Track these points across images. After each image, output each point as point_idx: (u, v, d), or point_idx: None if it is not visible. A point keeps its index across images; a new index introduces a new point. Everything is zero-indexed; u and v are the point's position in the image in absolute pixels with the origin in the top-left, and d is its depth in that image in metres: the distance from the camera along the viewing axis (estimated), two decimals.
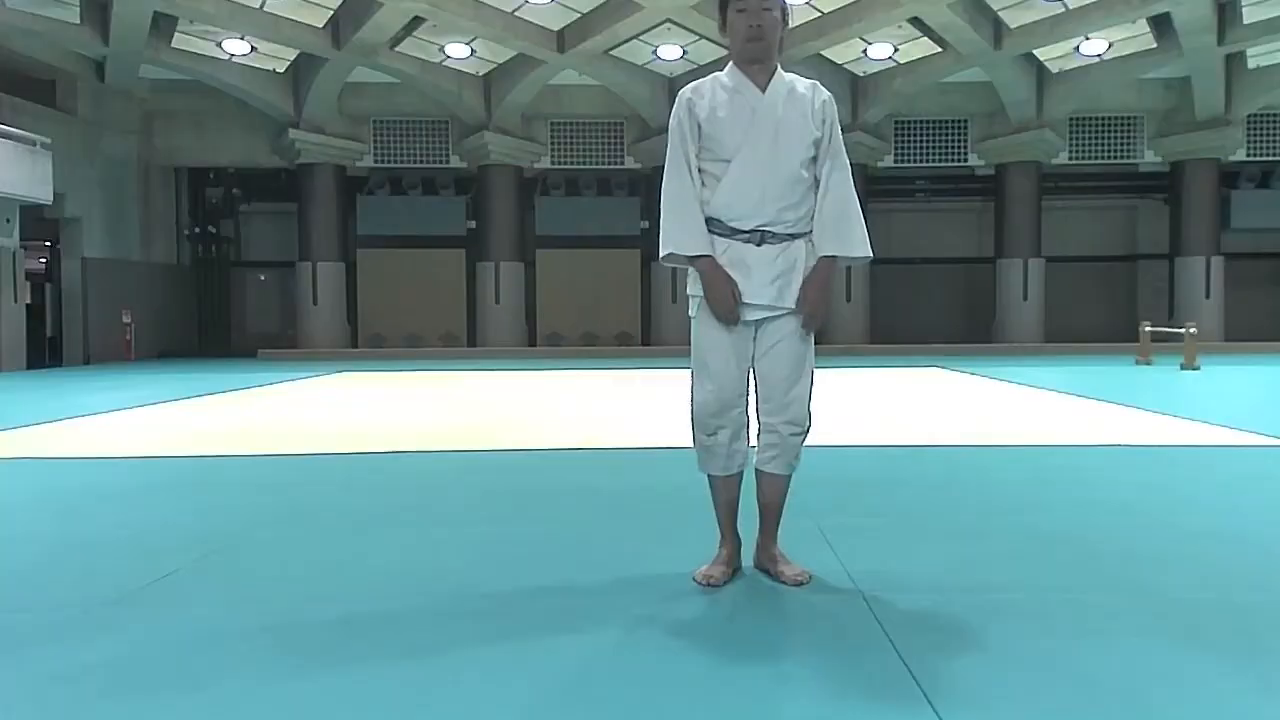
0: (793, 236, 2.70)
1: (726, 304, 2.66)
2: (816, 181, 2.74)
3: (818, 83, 2.78)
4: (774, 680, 2.06)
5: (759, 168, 2.66)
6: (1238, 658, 2.17)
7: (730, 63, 2.78)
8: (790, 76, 2.76)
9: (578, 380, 11.72)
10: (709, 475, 2.84)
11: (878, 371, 13.06)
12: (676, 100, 2.78)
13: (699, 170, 2.73)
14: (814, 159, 2.72)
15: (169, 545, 3.31)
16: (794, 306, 2.70)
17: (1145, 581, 2.79)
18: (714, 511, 2.88)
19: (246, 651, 2.27)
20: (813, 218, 2.73)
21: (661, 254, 2.75)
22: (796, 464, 2.80)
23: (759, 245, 2.68)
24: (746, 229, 2.68)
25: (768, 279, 2.67)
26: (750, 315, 2.70)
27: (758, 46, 2.68)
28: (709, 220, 2.72)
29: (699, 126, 2.71)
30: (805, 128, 2.69)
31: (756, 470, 2.82)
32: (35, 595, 2.78)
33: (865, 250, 2.74)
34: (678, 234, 2.70)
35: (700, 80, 2.79)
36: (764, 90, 2.70)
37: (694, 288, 2.76)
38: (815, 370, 2.79)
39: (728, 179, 2.68)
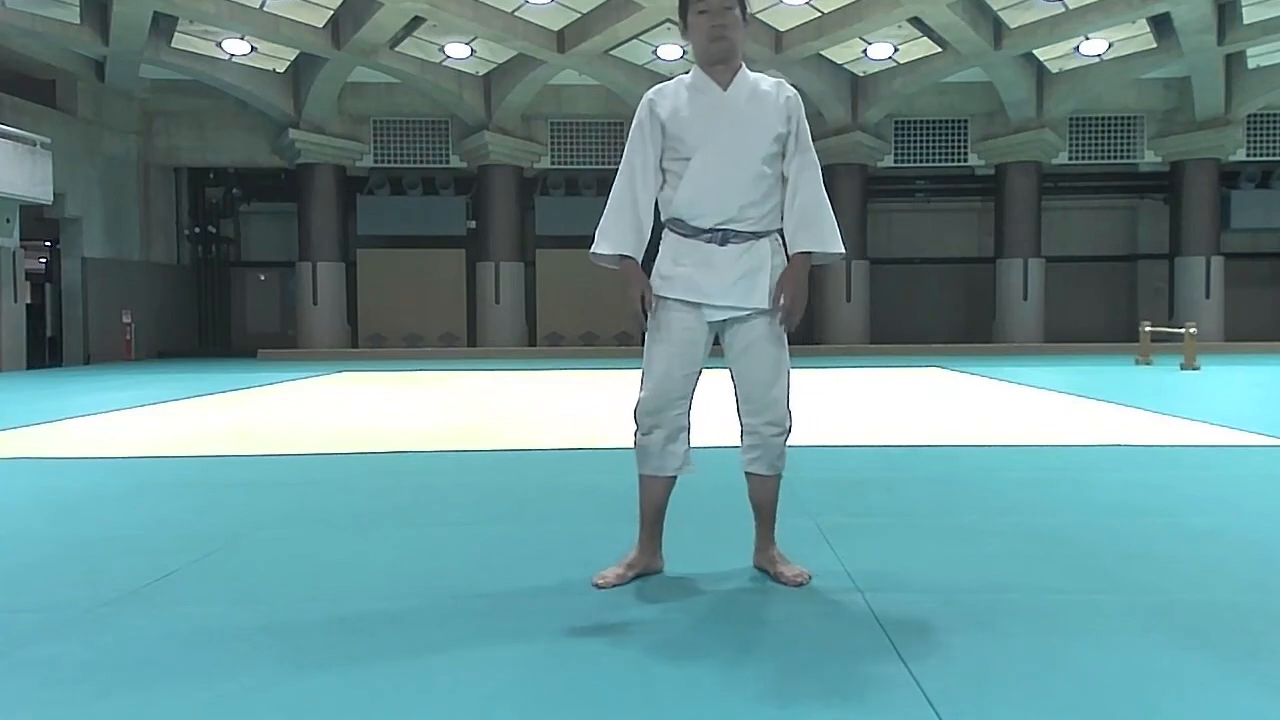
0: (756, 235, 2.70)
1: (634, 307, 2.70)
2: (782, 180, 2.73)
3: (783, 80, 2.78)
4: (774, 680, 2.06)
5: (720, 164, 2.66)
6: (1238, 658, 2.17)
7: (694, 65, 2.78)
8: (755, 75, 2.77)
9: (578, 380, 11.72)
10: (639, 475, 2.83)
11: (877, 371, 13.05)
12: (640, 103, 2.79)
13: (663, 170, 2.74)
14: (778, 155, 2.72)
15: (169, 545, 3.31)
16: (763, 306, 2.69)
17: (1145, 581, 2.79)
18: (638, 512, 2.86)
19: (246, 651, 2.27)
20: (778, 216, 2.73)
21: (591, 250, 2.77)
22: (781, 465, 2.80)
23: (722, 245, 2.67)
24: (708, 227, 2.68)
25: (731, 279, 2.66)
26: (713, 316, 2.70)
27: (721, 46, 2.69)
28: (673, 220, 2.74)
29: (662, 127, 2.71)
30: (768, 124, 2.69)
31: (745, 473, 2.83)
32: (35, 595, 2.78)
33: (838, 246, 2.73)
34: (607, 232, 2.72)
35: (665, 83, 2.81)
36: (726, 89, 2.71)
37: (657, 286, 2.76)
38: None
39: (689, 175, 2.69)
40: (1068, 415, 7.24)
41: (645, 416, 2.73)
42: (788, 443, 2.79)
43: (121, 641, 2.35)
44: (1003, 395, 9.03)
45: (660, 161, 2.75)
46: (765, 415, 2.72)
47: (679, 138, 2.70)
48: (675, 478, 2.81)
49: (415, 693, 2.02)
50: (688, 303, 2.70)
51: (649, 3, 14.76)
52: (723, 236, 2.67)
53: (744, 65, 2.76)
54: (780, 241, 2.76)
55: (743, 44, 2.75)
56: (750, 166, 2.67)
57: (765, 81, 2.76)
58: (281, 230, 20.95)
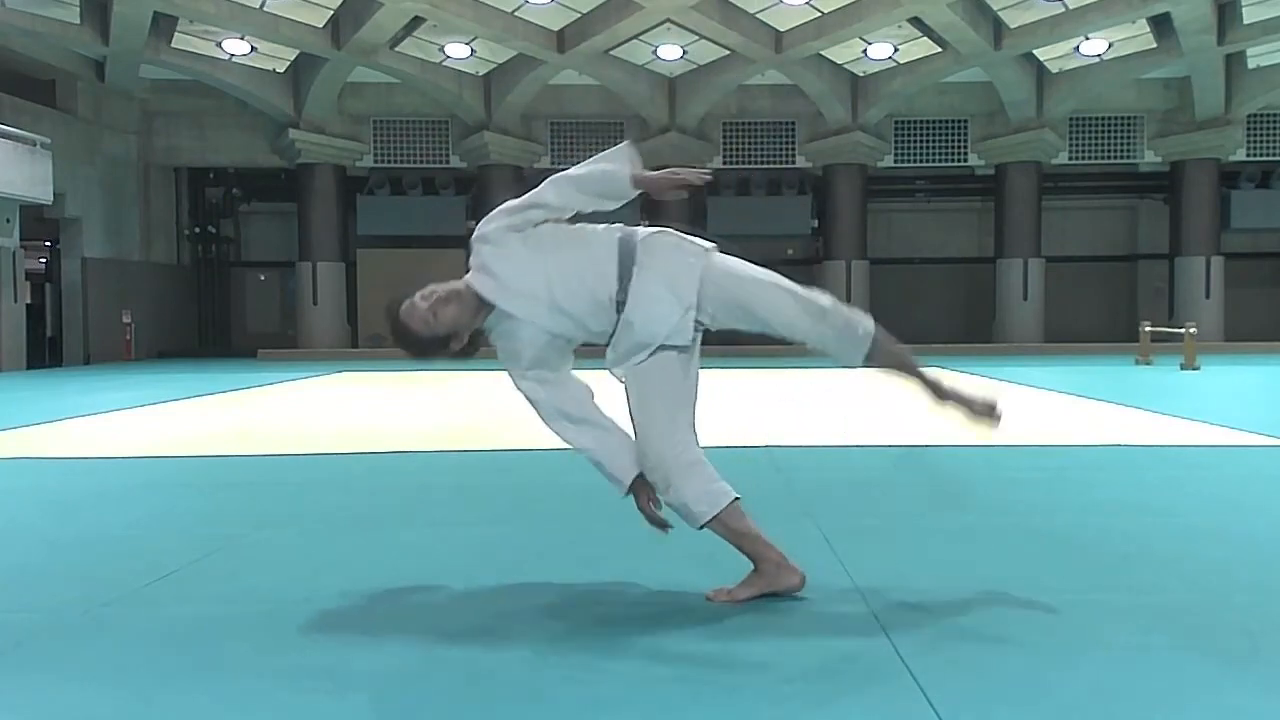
0: (621, 300, 2.66)
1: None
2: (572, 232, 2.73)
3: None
4: (774, 681, 2.06)
5: (558, 308, 2.68)
6: (1238, 658, 2.17)
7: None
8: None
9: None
10: (711, 521, 2.64)
11: (877, 371, 13.02)
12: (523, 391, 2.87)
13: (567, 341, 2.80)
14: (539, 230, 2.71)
15: (169, 545, 3.31)
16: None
17: (1145, 581, 2.79)
18: (741, 551, 2.69)
19: (246, 650, 2.27)
20: (614, 267, 2.66)
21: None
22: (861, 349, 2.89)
23: (620, 311, 2.67)
24: (615, 319, 2.69)
25: (664, 311, 2.65)
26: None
27: (451, 316, 2.79)
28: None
29: (544, 374, 2.86)
30: (516, 260, 2.70)
31: None
32: (35, 595, 2.78)
33: (613, 163, 2.77)
34: (613, 477, 2.79)
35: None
36: (492, 309, 2.76)
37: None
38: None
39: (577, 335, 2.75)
40: (1068, 415, 7.24)
41: (651, 474, 2.67)
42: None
43: (121, 641, 2.35)
44: (1003, 395, 9.01)
45: (562, 361, 2.84)
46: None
47: (543, 358, 2.81)
48: (736, 501, 2.63)
49: (415, 693, 2.02)
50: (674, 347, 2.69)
51: (649, 3, 14.76)
52: (618, 307, 2.65)
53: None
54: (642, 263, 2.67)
55: (461, 302, 2.78)
56: (580, 302, 2.66)
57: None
58: (281, 230, 20.94)
